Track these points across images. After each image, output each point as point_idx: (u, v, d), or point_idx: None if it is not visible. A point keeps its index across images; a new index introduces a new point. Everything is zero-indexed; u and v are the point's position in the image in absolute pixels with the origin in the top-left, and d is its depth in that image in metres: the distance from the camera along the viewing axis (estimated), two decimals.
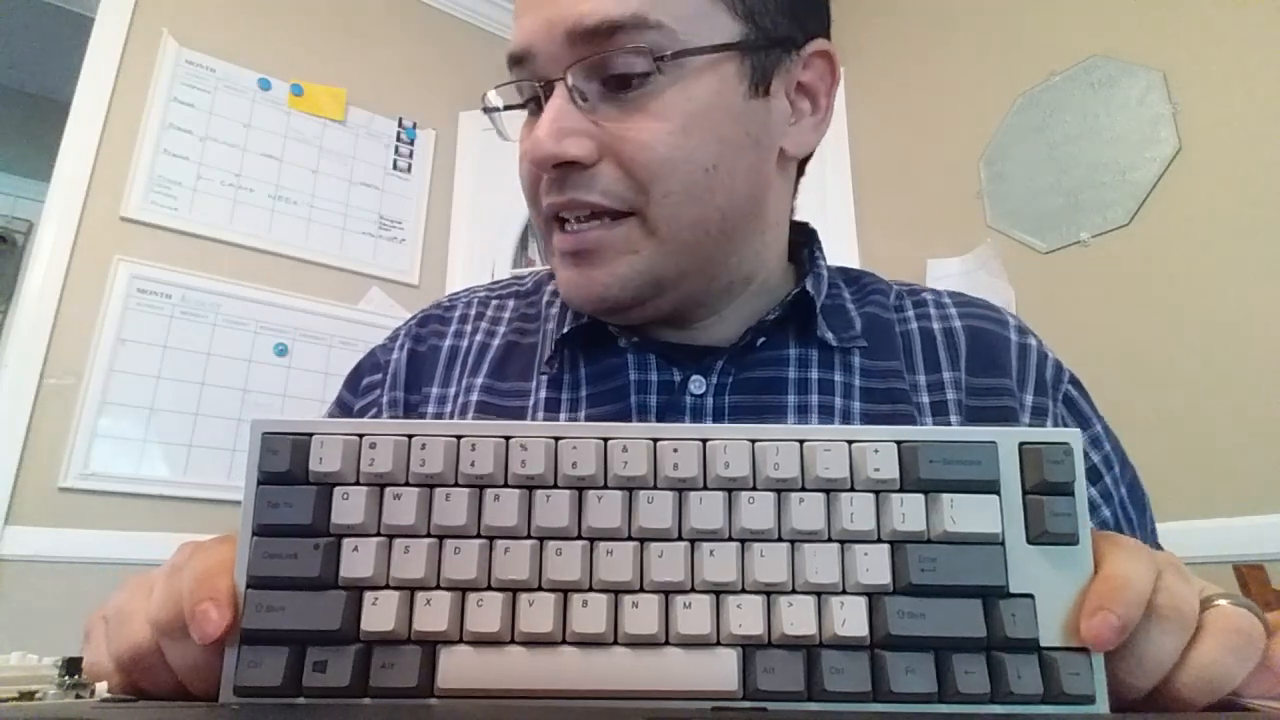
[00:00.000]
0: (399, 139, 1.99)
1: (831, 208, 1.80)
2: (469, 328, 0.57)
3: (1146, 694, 0.28)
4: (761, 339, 0.50)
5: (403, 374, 0.55)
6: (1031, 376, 0.51)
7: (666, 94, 0.43)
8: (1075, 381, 0.54)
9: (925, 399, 0.50)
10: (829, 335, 0.50)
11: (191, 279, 1.64)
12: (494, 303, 0.59)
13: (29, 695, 0.74)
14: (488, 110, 0.51)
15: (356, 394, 0.57)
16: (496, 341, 0.55)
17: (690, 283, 0.47)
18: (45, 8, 1.91)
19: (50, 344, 1.48)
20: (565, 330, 0.52)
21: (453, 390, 0.53)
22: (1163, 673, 0.28)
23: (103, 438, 1.49)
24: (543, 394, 0.51)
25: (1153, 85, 1.43)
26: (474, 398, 0.52)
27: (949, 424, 0.48)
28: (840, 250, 1.72)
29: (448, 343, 0.56)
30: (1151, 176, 1.41)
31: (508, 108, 0.51)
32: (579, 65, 0.43)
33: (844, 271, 0.58)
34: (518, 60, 0.45)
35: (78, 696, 0.77)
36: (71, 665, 0.82)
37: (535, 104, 0.46)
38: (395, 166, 1.97)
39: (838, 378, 0.49)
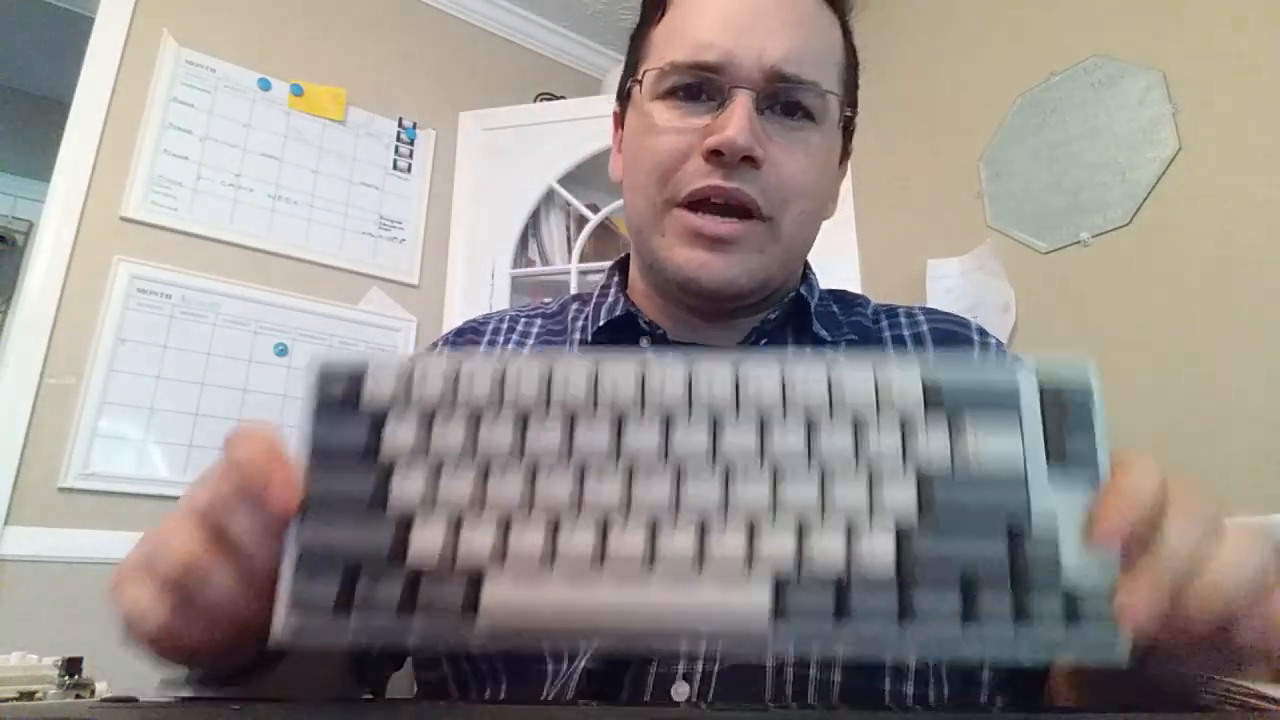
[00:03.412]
0: (399, 139, 1.99)
1: None
2: (501, 338, 0.63)
3: (1166, 607, 0.28)
4: (764, 340, 0.56)
5: None
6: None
7: (815, 138, 0.54)
8: None
9: None
10: (823, 331, 0.57)
11: (191, 279, 1.64)
12: (523, 320, 0.65)
13: (29, 695, 0.74)
14: (654, 71, 0.55)
15: None
16: (526, 350, 0.60)
17: (775, 285, 0.55)
18: (45, 8, 1.91)
19: (50, 344, 1.48)
20: (601, 323, 0.58)
21: None
22: (1182, 571, 0.28)
23: (103, 438, 1.49)
24: None
25: (1153, 85, 1.43)
26: None
27: None
28: (840, 251, 1.72)
29: (482, 349, 0.62)
30: (1151, 176, 1.41)
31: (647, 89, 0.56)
32: (770, 89, 0.52)
33: (830, 291, 0.65)
34: (711, 67, 0.52)
35: (78, 696, 0.77)
36: (71, 665, 0.82)
37: (695, 98, 0.53)
38: (395, 166, 1.97)
39: None
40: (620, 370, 0.31)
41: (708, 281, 0.52)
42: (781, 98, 0.52)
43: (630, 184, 0.57)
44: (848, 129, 0.60)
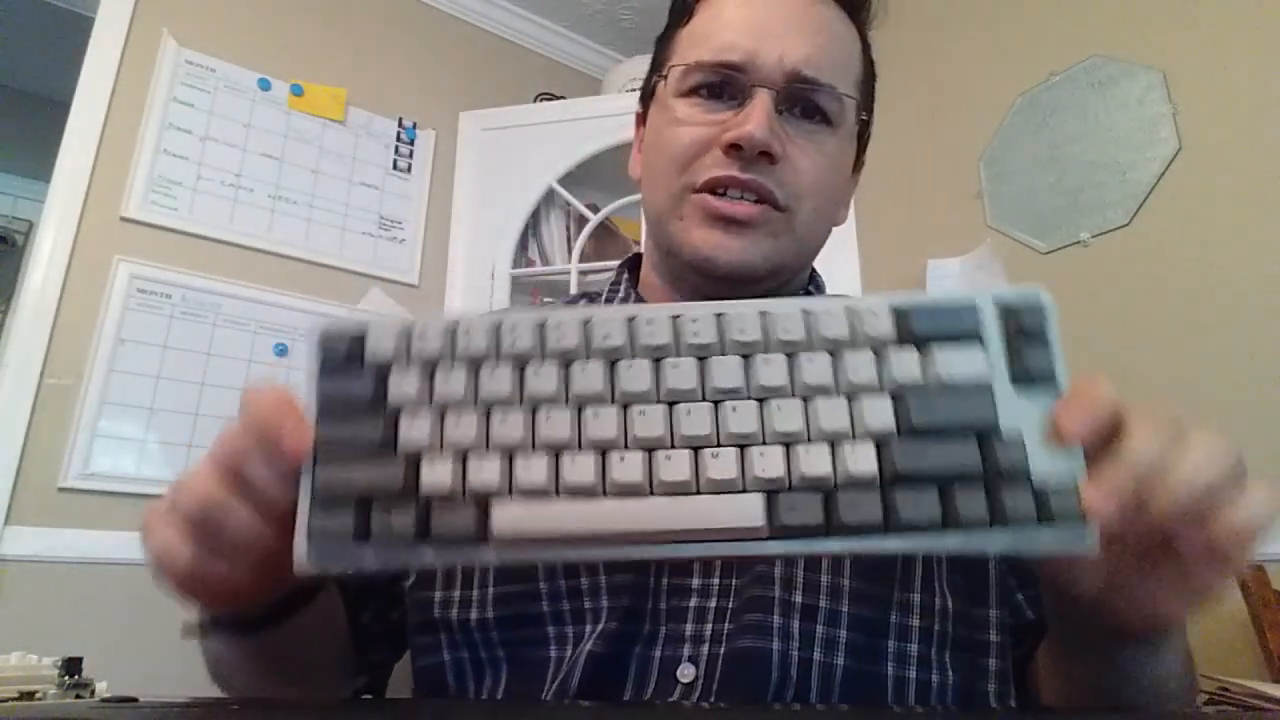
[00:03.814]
0: (399, 139, 1.99)
1: None
2: None
3: (1129, 498, 0.29)
4: None
5: None
6: None
7: (831, 142, 0.55)
8: None
9: None
10: None
11: (191, 279, 1.64)
12: None
13: (29, 695, 0.74)
14: (679, 68, 0.57)
15: None
16: None
17: (787, 275, 0.57)
18: (45, 8, 1.91)
19: (50, 344, 1.48)
20: None
21: None
22: (1144, 465, 0.30)
23: (103, 438, 1.49)
24: None
25: (1153, 85, 1.43)
26: None
27: None
28: (840, 251, 1.72)
29: None
30: (1151, 176, 1.41)
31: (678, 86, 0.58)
32: (790, 90, 0.53)
33: (835, 297, 0.66)
34: (734, 66, 0.53)
35: (78, 696, 0.77)
36: (71, 665, 0.82)
37: (717, 96, 0.55)
38: (395, 166, 1.97)
39: None
40: (610, 317, 0.33)
41: (724, 261, 0.53)
42: (800, 99, 0.54)
43: (650, 175, 0.59)
44: (862, 137, 0.61)
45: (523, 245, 1.92)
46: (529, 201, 1.89)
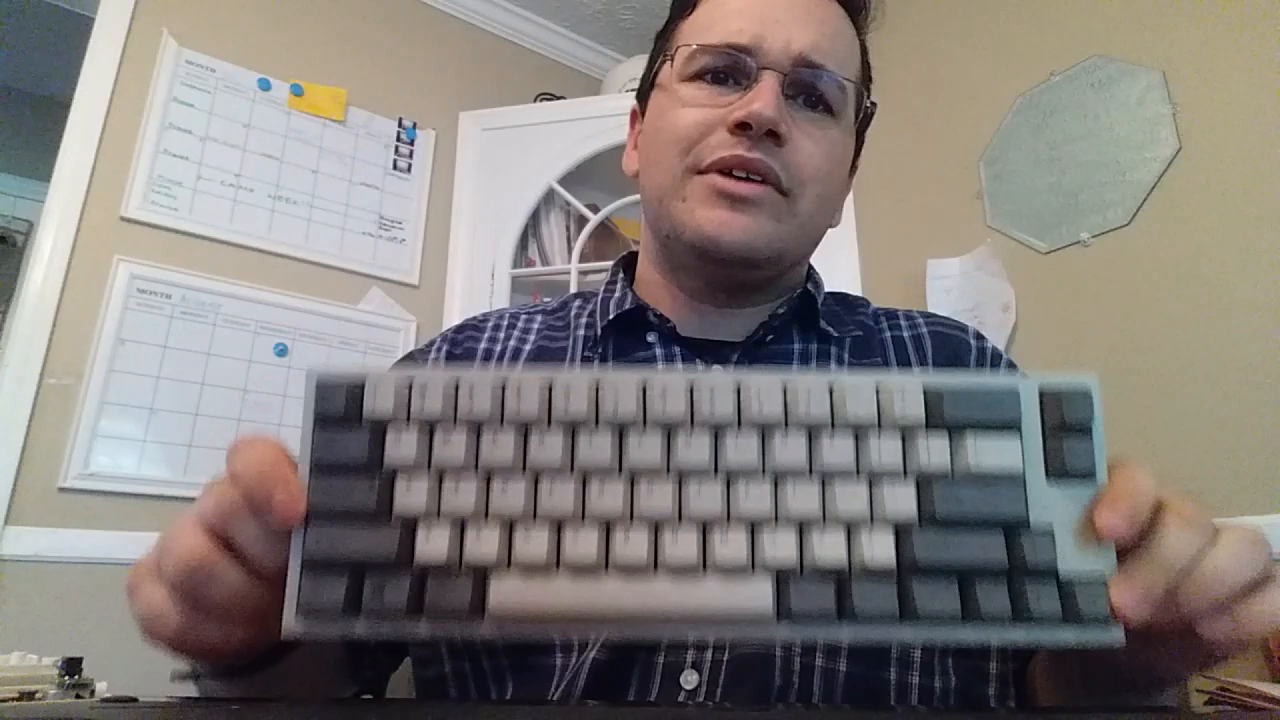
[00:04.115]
0: (399, 139, 1.99)
1: None
2: (502, 335, 0.63)
3: (1159, 600, 0.29)
4: (770, 335, 0.58)
5: None
6: (987, 370, 0.60)
7: (834, 132, 0.56)
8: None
9: None
10: (829, 328, 0.59)
11: (191, 279, 1.64)
12: (523, 317, 0.65)
13: (29, 695, 0.74)
14: (685, 49, 0.56)
15: None
16: (528, 347, 0.61)
17: (786, 264, 0.57)
18: (45, 8, 1.91)
19: (50, 344, 1.48)
20: (610, 317, 0.59)
21: None
22: (1177, 569, 0.29)
23: (103, 438, 1.49)
24: None
25: (1153, 85, 1.43)
26: None
27: None
28: (840, 251, 1.72)
29: (483, 345, 0.62)
30: (1151, 176, 1.41)
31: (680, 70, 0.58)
32: (796, 75, 0.54)
33: (832, 293, 0.67)
34: (741, 48, 0.54)
35: (78, 696, 0.77)
36: (71, 665, 0.82)
37: (723, 82, 0.55)
38: (395, 166, 1.97)
39: (832, 368, 0.57)
40: (621, 384, 0.31)
41: (727, 241, 0.52)
42: (806, 86, 0.55)
43: (650, 160, 0.58)
44: (860, 136, 0.62)
45: (523, 245, 1.92)
46: (529, 201, 1.89)
